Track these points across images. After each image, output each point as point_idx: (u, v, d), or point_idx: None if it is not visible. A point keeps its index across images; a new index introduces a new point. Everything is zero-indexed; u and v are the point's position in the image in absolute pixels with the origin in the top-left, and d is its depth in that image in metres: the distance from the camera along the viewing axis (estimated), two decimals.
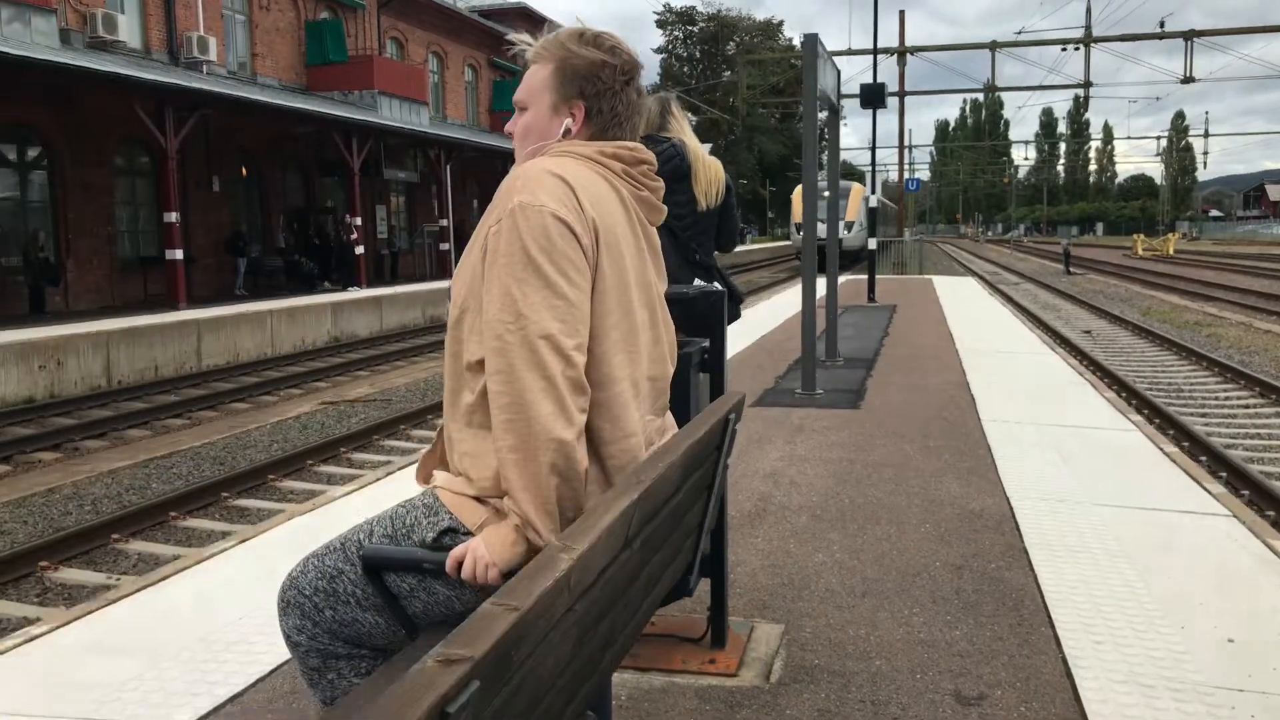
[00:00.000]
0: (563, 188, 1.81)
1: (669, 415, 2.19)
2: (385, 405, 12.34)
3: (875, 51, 19.21)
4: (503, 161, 30.03)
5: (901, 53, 32.86)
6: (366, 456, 9.51)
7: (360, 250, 22.61)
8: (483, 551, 1.77)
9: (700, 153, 3.96)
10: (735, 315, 3.90)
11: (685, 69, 75.79)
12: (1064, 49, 33.22)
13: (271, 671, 3.12)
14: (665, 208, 2.09)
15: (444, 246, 27.30)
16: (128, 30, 20.06)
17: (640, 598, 1.69)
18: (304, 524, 4.80)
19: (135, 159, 21.11)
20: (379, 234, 28.35)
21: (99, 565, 6.54)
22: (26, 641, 3.42)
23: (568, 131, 1.98)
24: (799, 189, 42.63)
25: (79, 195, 19.36)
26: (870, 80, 19.53)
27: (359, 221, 22.68)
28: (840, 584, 3.78)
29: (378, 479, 5.70)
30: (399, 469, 5.95)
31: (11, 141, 18.38)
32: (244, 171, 24.02)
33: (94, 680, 3.10)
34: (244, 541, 4.52)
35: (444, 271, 27.17)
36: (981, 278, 35.57)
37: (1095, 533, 4.38)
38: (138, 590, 3.90)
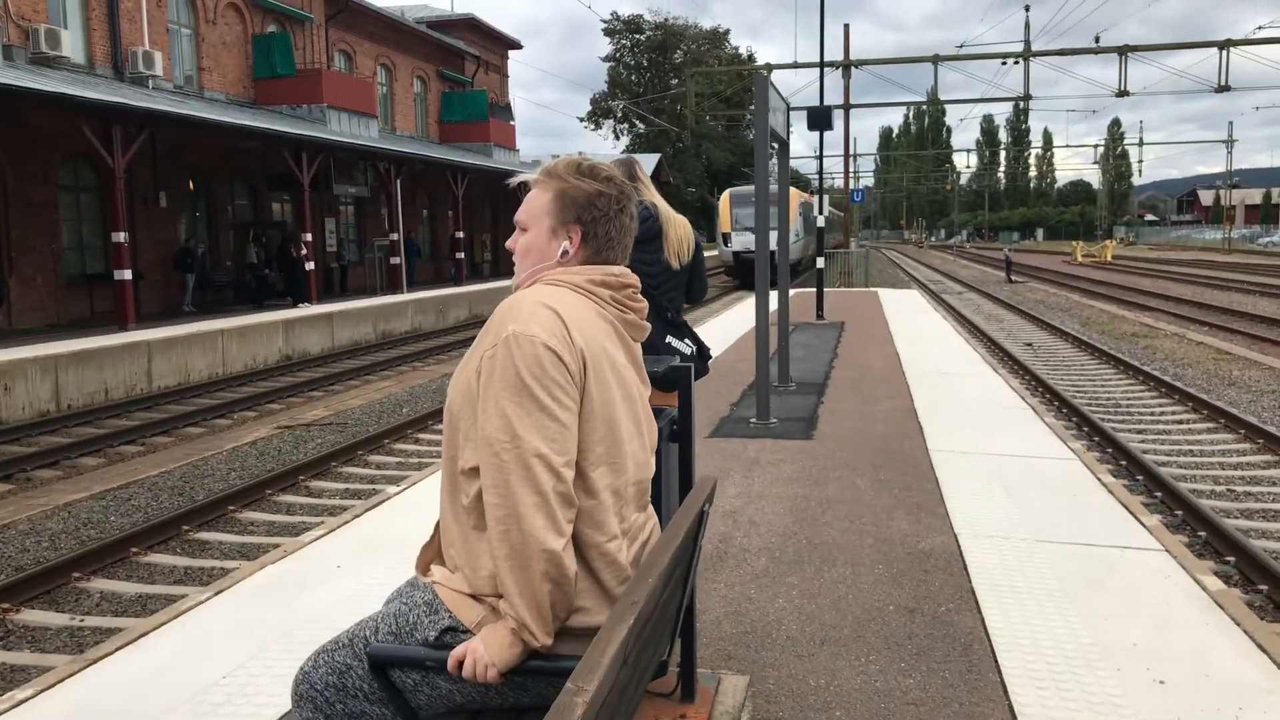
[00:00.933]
0: (554, 319, 2.00)
1: (650, 508, 2.38)
2: (341, 429, 12.36)
3: (821, 66, 19.56)
4: (453, 174, 30.03)
5: (847, 66, 33.36)
6: (325, 484, 9.56)
7: (310, 266, 22.49)
8: (482, 653, 1.96)
9: (670, 213, 4.17)
10: (703, 372, 4.12)
11: (633, 77, 76.04)
12: (1004, 63, 33.94)
13: None
14: (649, 325, 2.28)
15: (394, 260, 27.21)
16: (71, 45, 19.79)
17: (632, 697, 1.86)
18: (279, 570, 4.91)
19: (81, 175, 20.83)
20: (328, 247, 28.20)
21: (61, 605, 6.55)
22: (13, 707, 3.50)
23: (565, 252, 2.17)
24: (726, 194, 37.34)
25: (22, 212, 19.06)
26: (815, 88, 19.75)
27: (309, 237, 22.56)
28: (800, 631, 3.98)
29: (345, 522, 5.80)
30: (367, 510, 6.06)
31: None
32: (191, 186, 23.78)
33: None
34: (220, 592, 4.61)
35: (394, 286, 27.11)
36: (925, 287, 36.23)
37: (1037, 571, 4.63)
38: (119, 649, 3.99)
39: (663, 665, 2.36)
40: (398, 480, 9.59)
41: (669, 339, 4.03)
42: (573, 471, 1.97)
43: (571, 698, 1.38)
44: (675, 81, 70.67)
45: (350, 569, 4.88)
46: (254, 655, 3.87)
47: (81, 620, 6.25)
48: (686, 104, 43.21)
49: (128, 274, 17.20)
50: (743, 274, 33.35)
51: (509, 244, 2.29)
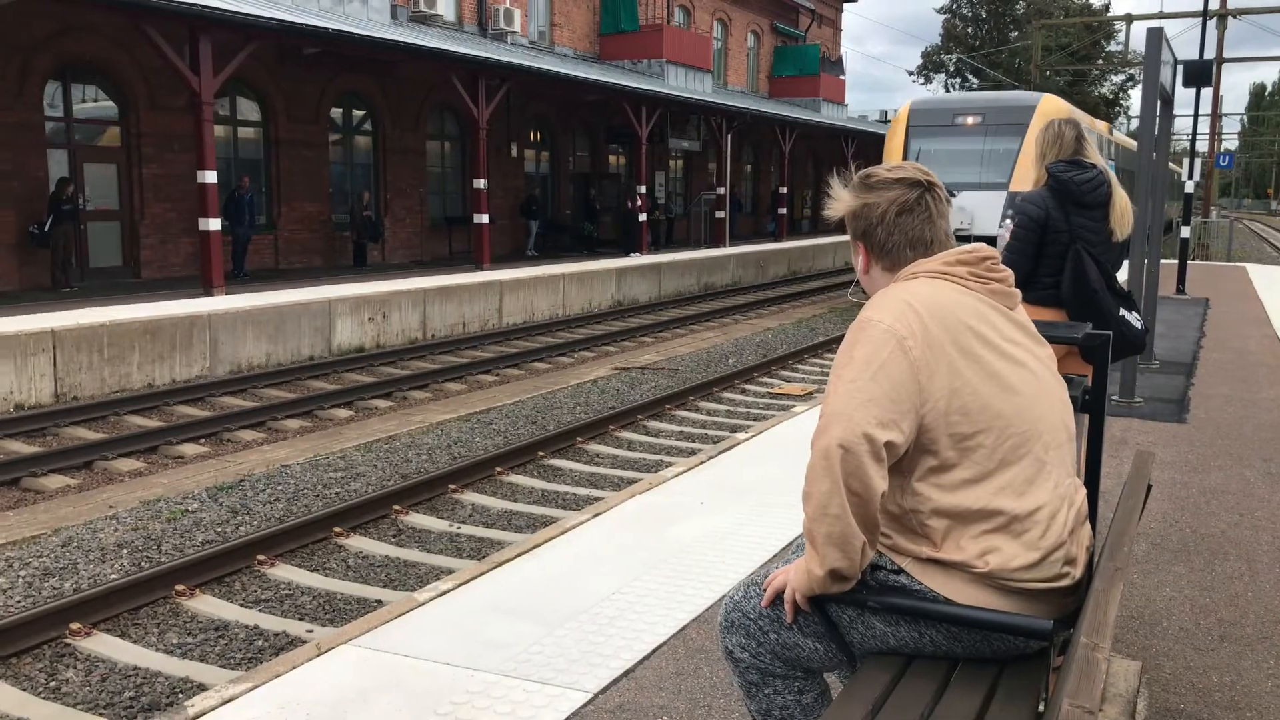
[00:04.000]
0: (904, 309, 2.05)
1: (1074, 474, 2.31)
2: (672, 374, 12.84)
3: (1205, 15, 17.70)
4: (780, 129, 30.03)
5: (1223, 15, 30.02)
6: (661, 425, 10.00)
7: (643, 217, 23.38)
8: (797, 585, 2.13)
9: (1115, 182, 4.01)
10: (1140, 346, 3.97)
11: (969, 29, 72.24)
12: None
13: (654, 651, 3.48)
14: (1018, 291, 2.23)
15: (719, 215, 27.70)
16: (444, 4, 21.59)
17: None
18: (647, 501, 5.21)
19: (445, 125, 22.77)
20: (658, 200, 29.18)
21: (440, 512, 7.30)
22: (437, 596, 3.97)
23: (864, 265, 2.26)
24: (904, 111, 18.55)
25: (397, 159, 21.14)
26: (1178, 41, 17.86)
27: (643, 189, 23.44)
28: (1194, 624, 3.74)
29: (700, 463, 6.05)
30: (720, 453, 6.28)
31: (342, 108, 20.29)
32: (537, 137, 25.35)
33: (502, 640, 3.57)
34: (597, 515, 4.97)
35: (717, 239, 27.63)
36: None
37: None
38: (516, 556, 4.41)
39: None
40: (729, 427, 9.87)
41: (1121, 311, 3.87)
42: (881, 443, 1.96)
43: (1092, 653, 1.39)
44: (1015, 35, 66.42)
45: (712, 507, 5.10)
46: (637, 577, 4.14)
47: (458, 528, 6.93)
48: (1030, 58, 40.64)
49: (485, 218, 18.65)
50: None
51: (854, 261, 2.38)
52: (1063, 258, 3.94)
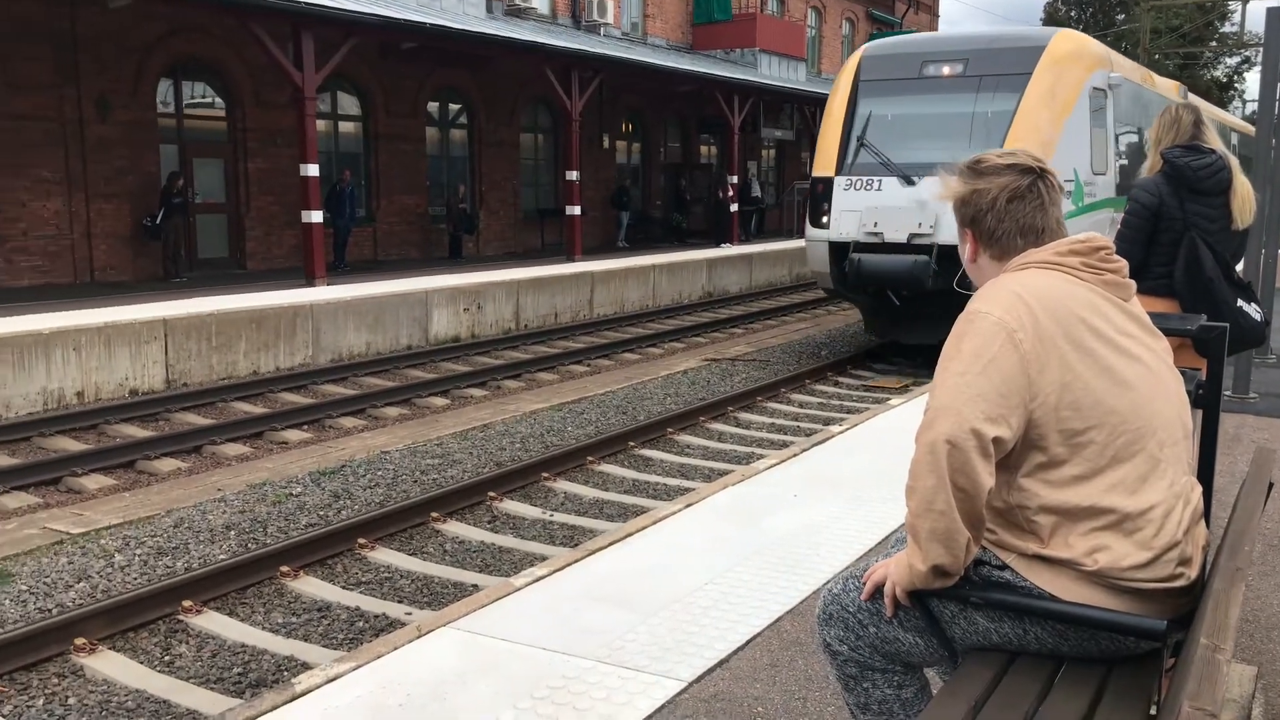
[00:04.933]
0: (1015, 301, 1.99)
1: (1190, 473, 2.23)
2: (763, 366, 12.78)
3: None
4: None
5: None
6: (752, 417, 9.96)
7: (734, 208, 23.28)
8: (898, 579, 2.10)
9: (1237, 167, 3.88)
10: (1259, 339, 3.84)
11: (1073, 13, 70.07)
12: None
13: (748, 641, 3.47)
14: (1133, 283, 2.15)
15: None
16: None
17: None
18: (739, 492, 5.20)
19: (538, 119, 22.98)
20: (752, 191, 29.00)
21: (533, 500, 7.39)
22: (533, 582, 4.02)
23: (971, 254, 2.21)
24: (854, 62, 12.61)
25: (492, 152, 21.42)
26: None
27: (734, 179, 23.33)
28: None
29: (794, 455, 6.01)
30: (813, 446, 6.23)
31: (439, 102, 20.63)
32: (629, 129, 25.41)
33: (597, 626, 3.60)
34: (689, 505, 4.97)
35: None
36: None
37: None
38: (610, 544, 4.44)
39: None
40: (821, 420, 9.79)
41: (1239, 302, 3.74)
42: (987, 439, 1.91)
43: (1213, 654, 1.35)
44: (1121, 18, 64.21)
45: (806, 499, 5.06)
46: (730, 568, 4.14)
47: (550, 515, 7.01)
48: (1138, 41, 39.27)
49: (577, 210, 18.78)
50: (878, 307, 12.17)
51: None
52: (1176, 245, 3.81)
